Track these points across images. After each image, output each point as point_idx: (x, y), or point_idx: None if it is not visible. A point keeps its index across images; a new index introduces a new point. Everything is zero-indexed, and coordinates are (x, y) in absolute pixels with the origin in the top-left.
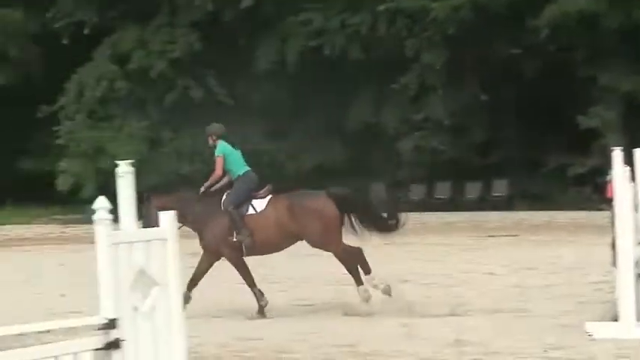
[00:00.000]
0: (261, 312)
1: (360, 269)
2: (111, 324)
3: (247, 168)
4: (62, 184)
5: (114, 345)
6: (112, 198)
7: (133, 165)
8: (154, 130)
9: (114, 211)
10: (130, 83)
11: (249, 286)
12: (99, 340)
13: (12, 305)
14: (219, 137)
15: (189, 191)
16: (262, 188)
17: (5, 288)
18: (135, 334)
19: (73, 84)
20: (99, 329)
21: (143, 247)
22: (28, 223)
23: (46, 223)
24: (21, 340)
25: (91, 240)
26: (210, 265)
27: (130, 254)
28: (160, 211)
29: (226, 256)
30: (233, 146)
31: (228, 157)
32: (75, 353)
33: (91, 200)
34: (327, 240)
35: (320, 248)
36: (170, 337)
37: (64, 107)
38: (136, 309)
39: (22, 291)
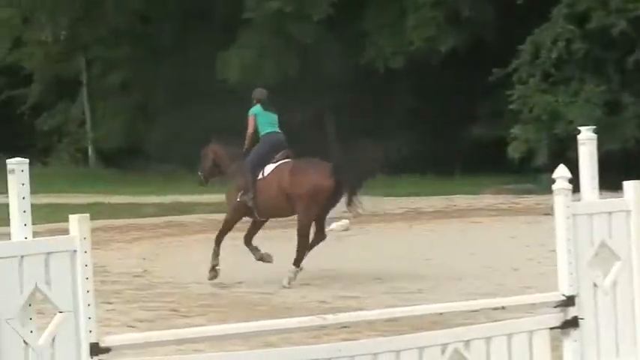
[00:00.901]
0: (264, 258)
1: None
2: (569, 301)
3: (271, 129)
4: (514, 151)
5: (572, 323)
6: (567, 166)
7: (594, 131)
8: (613, 93)
9: (572, 181)
10: (588, 44)
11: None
12: (555, 318)
13: (457, 281)
14: (259, 101)
15: (238, 146)
16: (281, 151)
17: (452, 261)
18: (594, 312)
19: (527, 45)
20: (555, 306)
21: (604, 219)
22: (477, 192)
23: (497, 193)
24: (472, 316)
25: (544, 211)
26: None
27: (590, 226)
28: (211, 157)
29: (228, 213)
30: (266, 109)
31: (258, 118)
32: (530, 332)
33: (544, 168)
34: (304, 206)
35: (297, 213)
36: (632, 316)
37: (518, 70)
38: (595, 285)
39: (472, 263)
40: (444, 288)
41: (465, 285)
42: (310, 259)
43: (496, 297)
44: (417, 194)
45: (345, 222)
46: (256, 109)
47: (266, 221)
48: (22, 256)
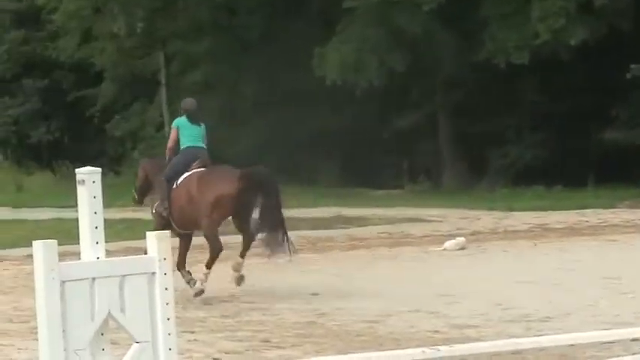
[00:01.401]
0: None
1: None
2: None
3: (191, 144)
4: None
5: None
6: None
7: None
8: None
9: None
10: None
11: (177, 266)
12: None
13: (590, 308)
14: (187, 111)
15: (164, 161)
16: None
17: (583, 286)
18: None
19: None
20: None
21: None
22: (612, 206)
23: (635, 207)
24: (607, 348)
25: None
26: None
27: None
28: (143, 175)
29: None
30: (192, 122)
31: (181, 131)
32: None
33: None
34: (205, 215)
35: (200, 225)
36: None
37: None
38: None
39: (606, 288)
40: (574, 316)
41: (598, 313)
42: (421, 282)
43: (634, 327)
44: (543, 208)
45: (460, 240)
46: (181, 120)
47: (192, 235)
48: (93, 279)
